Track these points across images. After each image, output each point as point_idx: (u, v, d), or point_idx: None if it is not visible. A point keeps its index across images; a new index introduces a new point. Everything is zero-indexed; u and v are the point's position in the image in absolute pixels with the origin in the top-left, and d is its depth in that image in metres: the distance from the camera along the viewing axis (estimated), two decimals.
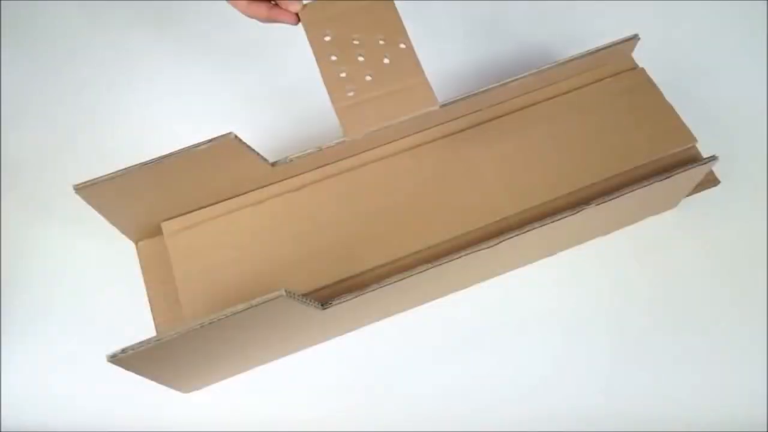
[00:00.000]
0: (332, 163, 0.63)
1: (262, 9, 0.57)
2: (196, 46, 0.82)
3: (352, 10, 0.57)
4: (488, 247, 0.55)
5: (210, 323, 0.46)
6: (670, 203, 0.68)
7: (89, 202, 0.54)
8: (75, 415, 0.61)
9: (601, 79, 0.67)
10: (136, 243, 0.63)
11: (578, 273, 0.66)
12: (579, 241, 0.67)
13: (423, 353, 0.63)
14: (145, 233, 0.62)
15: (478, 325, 0.64)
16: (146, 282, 0.62)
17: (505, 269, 0.65)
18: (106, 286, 0.66)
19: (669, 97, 0.65)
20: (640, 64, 0.68)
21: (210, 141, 0.52)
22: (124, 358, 0.45)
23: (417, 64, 0.56)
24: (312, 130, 0.71)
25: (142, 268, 0.62)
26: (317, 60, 0.56)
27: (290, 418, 0.60)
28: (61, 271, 0.67)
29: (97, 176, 0.52)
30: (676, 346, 0.62)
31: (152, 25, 0.83)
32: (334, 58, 0.56)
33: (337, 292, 0.56)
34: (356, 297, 0.53)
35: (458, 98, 0.61)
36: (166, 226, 0.60)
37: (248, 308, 0.46)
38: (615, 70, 0.67)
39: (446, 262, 0.54)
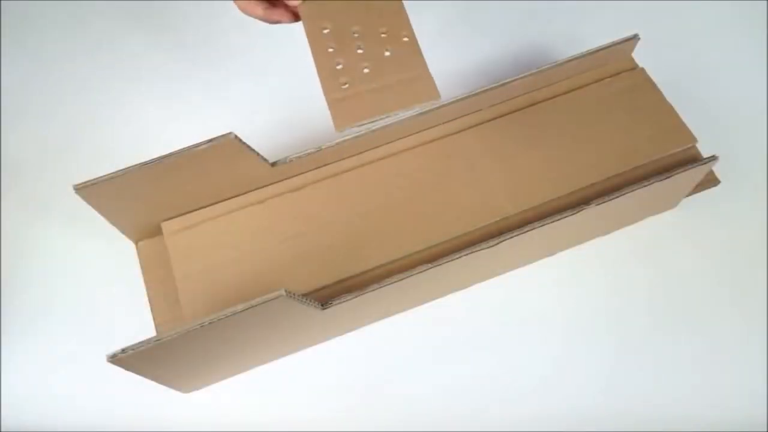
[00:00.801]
0: (332, 163, 0.63)
1: (258, 9, 0.55)
2: (196, 46, 0.82)
3: (354, 3, 0.55)
4: (488, 247, 0.55)
5: (210, 323, 0.46)
6: (670, 203, 0.68)
7: (89, 202, 0.54)
8: (75, 415, 0.61)
9: (601, 79, 0.67)
10: (136, 243, 0.63)
11: (578, 273, 0.66)
12: (579, 241, 0.67)
13: (423, 353, 0.63)
14: (145, 233, 0.62)
15: (478, 325, 0.64)
16: (146, 282, 0.61)
17: (505, 269, 0.65)
18: (106, 286, 0.66)
19: (669, 97, 0.65)
20: (640, 64, 0.68)
21: (210, 141, 0.52)
22: (123, 358, 0.45)
23: (420, 56, 0.53)
24: (312, 130, 0.71)
25: (142, 268, 0.62)
26: (313, 52, 0.53)
27: (290, 418, 0.60)
28: (61, 271, 0.67)
29: (97, 176, 0.52)
30: (676, 346, 0.62)
31: (153, 25, 0.83)
32: (331, 49, 0.53)
33: (337, 292, 0.56)
34: (356, 297, 0.53)
35: (458, 98, 0.61)
36: (166, 226, 0.60)
37: (248, 308, 0.46)
38: (615, 70, 0.67)
39: (446, 262, 0.54)
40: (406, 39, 0.53)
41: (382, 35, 0.53)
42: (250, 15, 0.56)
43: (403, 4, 0.54)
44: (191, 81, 0.79)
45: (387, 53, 0.53)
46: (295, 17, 0.56)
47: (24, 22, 0.84)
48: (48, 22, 0.84)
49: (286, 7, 0.56)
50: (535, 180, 0.62)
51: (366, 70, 0.52)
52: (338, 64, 0.52)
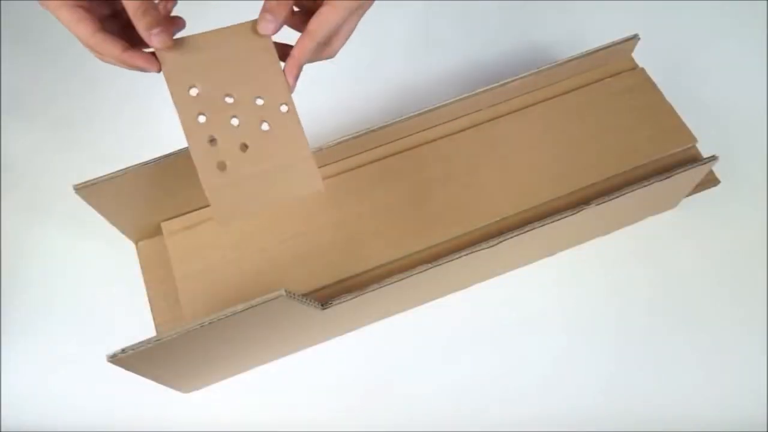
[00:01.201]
0: (332, 163, 0.63)
1: (115, 49, 0.43)
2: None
3: (226, 57, 0.47)
4: (488, 247, 0.55)
5: (210, 323, 0.46)
6: (670, 203, 0.68)
7: (89, 202, 0.54)
8: (75, 415, 0.61)
9: (601, 79, 0.67)
10: (136, 243, 0.63)
11: (578, 273, 0.66)
12: (579, 241, 0.67)
13: (423, 353, 0.63)
14: (145, 233, 0.62)
15: (478, 325, 0.64)
16: (146, 282, 0.62)
17: (505, 269, 0.65)
18: (106, 286, 0.66)
19: (669, 97, 0.65)
20: (640, 64, 0.68)
21: None
22: (123, 358, 0.45)
23: (301, 132, 0.47)
24: (311, 130, 0.71)
25: (142, 268, 0.62)
26: (181, 120, 0.45)
27: (290, 418, 0.60)
28: (61, 271, 0.67)
29: (97, 176, 0.52)
30: (676, 346, 0.62)
31: None
32: (202, 119, 0.46)
33: (337, 292, 0.56)
34: (356, 297, 0.53)
35: (458, 98, 0.61)
36: (166, 226, 0.60)
37: (248, 308, 0.46)
38: (615, 70, 0.67)
39: (446, 262, 0.54)
40: (285, 109, 0.47)
41: (259, 103, 0.47)
42: (105, 57, 0.45)
43: (280, 65, 0.47)
44: None
45: (265, 127, 0.47)
46: (159, 65, 0.46)
47: (24, 22, 0.84)
48: (48, 22, 0.84)
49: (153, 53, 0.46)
50: (535, 180, 0.61)
51: (243, 150, 0.47)
52: (212, 138, 0.46)
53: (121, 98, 0.78)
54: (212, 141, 0.46)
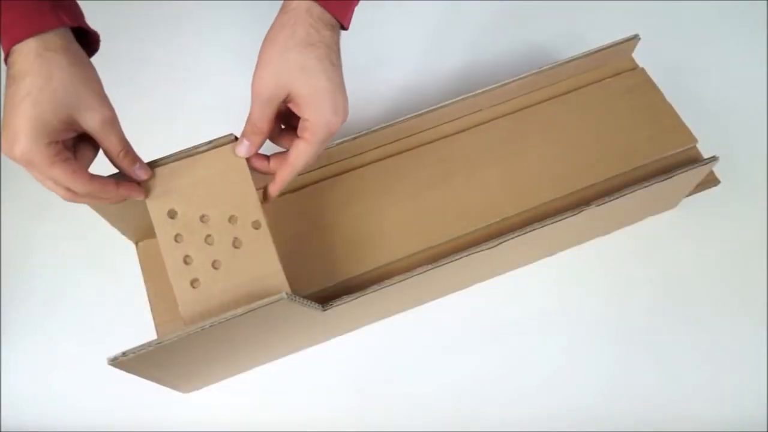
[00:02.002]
0: (332, 163, 0.62)
1: (112, 186, 0.47)
2: (196, 46, 0.81)
3: (202, 179, 0.51)
4: (488, 248, 0.55)
5: (211, 326, 0.46)
6: (670, 203, 0.68)
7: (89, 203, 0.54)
8: (75, 416, 0.61)
9: (602, 79, 0.67)
10: (136, 243, 0.63)
11: (578, 273, 0.66)
12: (579, 241, 0.67)
13: (423, 353, 0.63)
14: (145, 233, 0.62)
15: (478, 326, 0.64)
16: (146, 282, 0.61)
17: (505, 269, 0.65)
18: (106, 287, 0.66)
19: (669, 97, 0.65)
20: (641, 64, 0.67)
21: (210, 142, 0.52)
22: (124, 361, 0.45)
23: (270, 247, 0.50)
24: None
25: (142, 268, 0.62)
26: (159, 242, 0.50)
27: (290, 418, 0.60)
28: (61, 272, 0.67)
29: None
30: (676, 345, 0.63)
31: (152, 25, 0.83)
32: (178, 239, 0.50)
33: (338, 293, 0.56)
34: (357, 298, 0.53)
35: (459, 98, 0.61)
36: None
37: (249, 311, 0.46)
38: (615, 70, 0.67)
39: (446, 263, 0.54)
40: (257, 225, 0.50)
41: (232, 221, 0.51)
42: (100, 199, 0.48)
43: (252, 184, 0.51)
44: (191, 81, 0.79)
45: (238, 243, 0.50)
46: (144, 192, 0.50)
47: None
48: None
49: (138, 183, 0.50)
50: (534, 180, 0.61)
51: (216, 268, 0.49)
52: (187, 257, 0.50)
53: (119, 99, 0.77)
54: (187, 259, 0.50)
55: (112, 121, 0.46)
